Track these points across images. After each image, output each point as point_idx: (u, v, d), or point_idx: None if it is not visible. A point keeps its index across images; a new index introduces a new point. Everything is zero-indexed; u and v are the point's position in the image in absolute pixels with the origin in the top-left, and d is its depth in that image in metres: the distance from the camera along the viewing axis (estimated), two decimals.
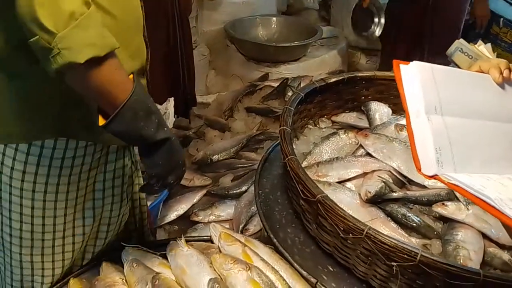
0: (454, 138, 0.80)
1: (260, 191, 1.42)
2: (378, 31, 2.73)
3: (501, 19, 3.55)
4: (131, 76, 0.95)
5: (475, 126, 0.82)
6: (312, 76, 2.81)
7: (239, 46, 3.02)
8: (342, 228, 1.07)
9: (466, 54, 1.03)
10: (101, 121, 0.92)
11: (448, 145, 0.79)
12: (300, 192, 1.16)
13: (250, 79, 2.84)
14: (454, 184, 0.75)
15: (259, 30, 3.20)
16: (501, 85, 0.90)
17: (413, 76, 0.81)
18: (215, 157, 2.26)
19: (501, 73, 0.90)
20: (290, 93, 2.59)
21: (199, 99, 2.84)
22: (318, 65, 3.01)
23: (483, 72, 0.92)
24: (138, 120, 0.93)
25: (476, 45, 1.21)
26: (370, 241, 1.02)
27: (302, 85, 2.71)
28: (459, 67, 1.21)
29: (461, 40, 1.22)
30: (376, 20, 2.79)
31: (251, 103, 2.63)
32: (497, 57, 3.35)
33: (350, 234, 1.05)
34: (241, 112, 2.58)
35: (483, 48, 1.13)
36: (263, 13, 3.25)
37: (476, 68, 0.93)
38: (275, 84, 2.70)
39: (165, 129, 0.99)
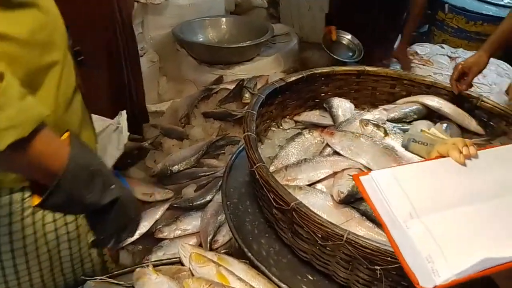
0: (440, 238, 0.76)
1: (228, 202, 1.35)
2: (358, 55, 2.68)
3: (446, 5, 3.65)
4: (66, 136, 0.81)
5: (456, 215, 0.79)
6: (268, 76, 2.77)
7: (189, 49, 2.92)
8: (320, 235, 1.02)
9: (420, 142, 1.02)
10: (35, 200, 0.78)
11: (437, 249, 0.76)
12: (272, 201, 1.10)
13: (204, 83, 2.75)
14: (462, 277, 0.72)
15: (208, 32, 3.11)
16: (464, 164, 0.87)
17: (376, 186, 0.77)
18: (175, 168, 2.16)
19: (461, 152, 0.87)
20: (247, 95, 2.53)
21: (152, 108, 2.73)
22: (272, 63, 2.96)
23: (443, 156, 0.89)
24: (80, 189, 0.79)
25: (427, 130, 1.21)
26: (350, 247, 0.97)
27: (258, 85, 2.66)
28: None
29: (411, 130, 1.20)
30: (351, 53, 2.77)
31: (207, 107, 2.55)
32: (444, 42, 3.45)
33: (329, 241, 1.00)
34: (198, 118, 2.49)
35: (435, 130, 1.12)
36: (211, 14, 3.16)
37: (435, 154, 0.90)
38: (231, 87, 2.63)
39: (112, 188, 0.85)
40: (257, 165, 1.15)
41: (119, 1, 1.98)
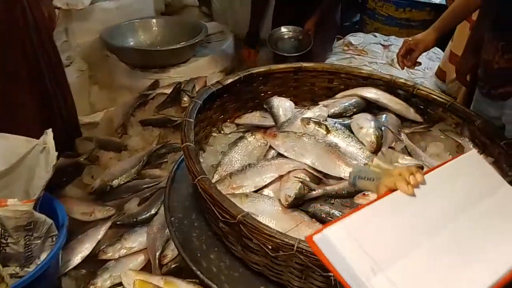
0: None
1: (172, 218, 1.28)
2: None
3: None
4: None
5: (416, 259, 0.74)
6: (206, 77, 2.69)
7: (120, 55, 2.77)
8: (270, 247, 0.98)
9: (366, 178, 0.99)
10: None
11: None
12: (218, 215, 1.04)
13: (139, 89, 2.62)
14: None
15: (139, 35, 2.97)
16: (414, 194, 0.84)
17: (331, 245, 0.69)
18: (115, 182, 2.04)
19: (408, 182, 0.84)
20: (185, 98, 2.44)
21: (85, 119, 2.56)
22: (209, 63, 2.88)
23: (392, 189, 0.85)
24: None
25: (370, 163, 1.18)
26: (302, 256, 0.93)
27: (196, 87, 2.57)
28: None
29: (355, 168, 1.18)
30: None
31: (145, 115, 2.43)
32: (377, 30, 3.54)
33: (280, 252, 0.96)
34: (136, 126, 2.36)
35: (378, 161, 1.10)
36: (140, 16, 3.02)
37: (383, 189, 0.85)
38: (168, 91, 2.52)
39: None
40: (198, 178, 1.08)
41: (33, 11, 1.81)
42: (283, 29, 2.82)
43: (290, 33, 2.80)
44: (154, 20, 3.03)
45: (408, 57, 1.64)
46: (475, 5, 1.63)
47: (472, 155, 1.04)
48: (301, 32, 2.77)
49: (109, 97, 2.75)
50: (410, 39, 1.66)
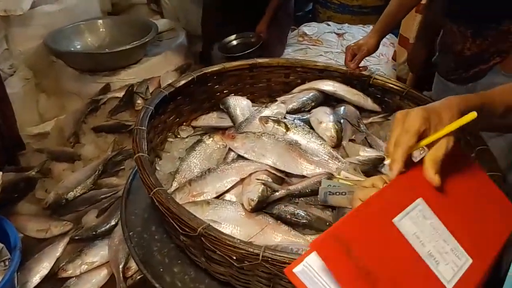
0: None
1: (130, 233, 1.21)
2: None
3: None
4: None
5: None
6: (159, 77, 2.60)
7: (67, 60, 2.63)
8: (234, 257, 0.93)
9: (337, 193, 0.94)
10: None
11: None
12: (178, 228, 0.98)
13: (90, 94, 2.49)
14: None
15: (86, 38, 2.83)
16: None
17: (314, 275, 0.61)
18: (71, 195, 1.95)
19: None
20: (139, 101, 2.35)
21: (33, 130, 2.43)
22: (162, 62, 2.78)
23: None
24: None
25: (339, 176, 1.14)
26: (268, 264, 0.89)
27: (150, 88, 2.49)
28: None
29: (323, 183, 1.13)
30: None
31: (97, 121, 2.32)
32: (330, 19, 3.53)
33: (245, 262, 0.92)
34: (89, 134, 2.26)
35: (346, 174, 1.06)
36: (86, 18, 2.88)
37: (357, 203, 0.79)
38: (120, 94, 2.42)
39: None
40: (154, 190, 1.02)
41: None
42: (233, 36, 2.87)
43: (241, 39, 2.82)
44: (100, 21, 2.89)
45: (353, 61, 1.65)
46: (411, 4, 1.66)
47: None
48: (253, 36, 2.78)
49: (59, 104, 2.61)
50: (352, 44, 1.68)
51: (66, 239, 1.75)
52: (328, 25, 3.12)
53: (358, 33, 2.99)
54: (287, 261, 0.88)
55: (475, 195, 0.82)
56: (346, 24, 3.16)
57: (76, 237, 1.75)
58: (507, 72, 1.35)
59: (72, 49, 2.70)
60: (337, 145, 1.35)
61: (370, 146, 1.41)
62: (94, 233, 1.75)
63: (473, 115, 0.72)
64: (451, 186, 0.78)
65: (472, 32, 1.39)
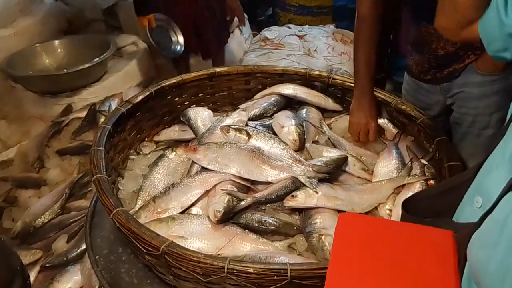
0: None
1: (97, 257, 1.18)
2: (180, 49, 2.58)
3: None
4: None
5: None
6: (122, 93, 2.55)
7: (26, 83, 2.56)
8: (200, 273, 0.91)
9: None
10: None
11: None
12: (141, 247, 0.96)
13: (52, 116, 2.43)
14: None
15: (44, 59, 2.76)
16: None
17: None
18: (39, 222, 1.90)
19: None
20: (102, 119, 2.30)
21: None
22: (124, 78, 2.74)
23: None
24: None
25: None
26: (234, 276, 0.88)
27: (113, 106, 2.44)
28: None
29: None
30: (174, 38, 2.65)
31: (61, 144, 2.27)
32: (290, 21, 3.54)
33: (212, 276, 0.91)
34: (53, 157, 2.20)
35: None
36: (42, 40, 2.81)
37: None
38: (83, 114, 2.37)
39: None
40: (114, 211, 1.00)
41: None
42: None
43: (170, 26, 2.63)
44: (57, 42, 2.82)
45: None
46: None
47: None
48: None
49: (21, 130, 2.54)
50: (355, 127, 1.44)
51: (37, 268, 1.71)
52: (289, 27, 3.14)
53: (319, 33, 3.01)
54: (253, 271, 0.87)
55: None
56: (307, 26, 3.17)
57: (47, 265, 1.71)
58: (482, 71, 1.29)
59: (31, 72, 2.63)
60: (300, 148, 1.35)
61: (334, 146, 1.42)
62: (65, 259, 1.71)
63: None
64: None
65: None
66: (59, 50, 2.81)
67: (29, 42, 2.77)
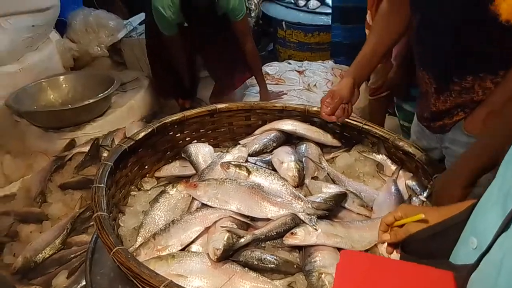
0: None
1: None
2: None
3: (283, 22, 3.84)
4: None
5: None
6: (125, 127, 2.59)
7: (31, 118, 2.61)
8: None
9: None
10: None
11: None
12: (141, 287, 0.96)
13: (56, 151, 2.47)
14: None
15: (49, 95, 2.82)
16: None
17: None
18: (39, 257, 1.90)
19: None
20: (105, 154, 2.33)
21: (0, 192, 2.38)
22: (127, 113, 2.79)
23: None
24: None
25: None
26: None
27: (116, 140, 2.47)
28: None
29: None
30: None
31: (64, 178, 2.29)
32: (290, 57, 3.62)
33: None
34: (56, 192, 2.22)
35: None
36: (48, 75, 2.88)
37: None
38: (86, 149, 2.40)
39: None
40: (114, 250, 1.00)
41: None
42: None
43: None
44: (62, 77, 2.90)
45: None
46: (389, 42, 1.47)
47: None
48: None
49: (25, 164, 2.57)
50: (325, 96, 1.49)
51: None
52: (289, 63, 3.21)
53: (318, 69, 3.07)
54: None
55: None
56: (306, 61, 3.25)
57: None
58: (468, 131, 1.23)
59: (35, 107, 2.68)
60: (299, 184, 1.36)
61: (333, 182, 1.43)
62: None
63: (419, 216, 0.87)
64: None
65: (436, 88, 1.27)
66: (64, 85, 2.88)
67: (35, 78, 2.84)
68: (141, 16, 3.53)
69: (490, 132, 1.05)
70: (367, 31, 2.58)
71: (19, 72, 2.78)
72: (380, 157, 1.48)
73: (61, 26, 3.31)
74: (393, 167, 1.45)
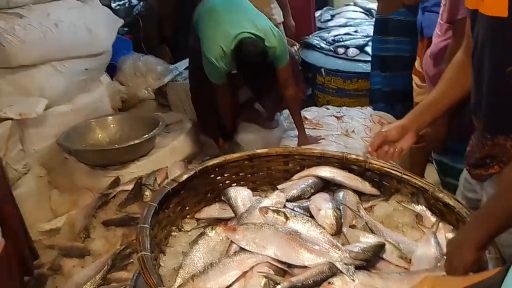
0: None
1: None
2: None
3: (322, 69, 3.93)
4: None
5: None
6: (167, 167, 2.68)
7: (79, 156, 2.76)
8: None
9: None
10: None
11: None
12: None
13: (100, 188, 2.58)
14: None
15: (97, 134, 2.98)
16: None
17: None
18: None
19: None
20: (147, 193, 2.41)
21: (45, 226, 2.49)
22: (170, 154, 2.89)
23: None
24: None
25: None
26: None
27: (158, 180, 2.56)
28: None
29: None
30: None
31: (107, 215, 2.37)
32: (329, 102, 3.68)
33: None
34: (99, 228, 2.30)
35: None
36: (97, 116, 3.05)
37: None
38: (129, 187, 2.49)
39: None
40: None
41: None
42: None
43: None
44: (111, 118, 3.06)
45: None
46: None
47: None
48: None
49: (71, 199, 2.69)
50: (384, 131, 1.48)
51: None
52: (327, 108, 3.26)
53: (356, 115, 3.10)
54: None
55: None
56: (345, 107, 3.29)
57: None
58: None
59: (84, 145, 2.83)
60: (337, 232, 1.37)
61: (371, 232, 1.42)
62: None
63: None
64: None
65: (489, 138, 1.24)
66: (112, 125, 3.03)
67: (85, 118, 3.01)
68: (186, 62, 3.71)
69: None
70: (414, 77, 2.60)
71: (70, 112, 2.96)
72: (420, 208, 1.47)
73: (112, 70, 3.53)
74: (433, 219, 1.43)
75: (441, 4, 2.03)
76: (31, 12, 2.75)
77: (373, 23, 3.46)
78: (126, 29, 4.45)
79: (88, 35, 2.94)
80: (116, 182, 2.61)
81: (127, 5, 5.71)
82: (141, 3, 5.05)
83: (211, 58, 2.64)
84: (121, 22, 3.40)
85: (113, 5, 5.06)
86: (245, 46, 2.59)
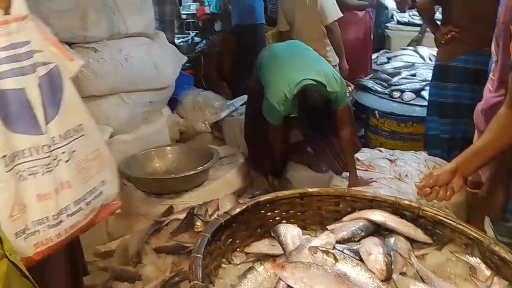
0: None
1: None
2: None
3: (376, 111, 3.93)
4: None
5: None
6: (218, 199, 2.75)
7: (137, 183, 2.90)
8: None
9: None
10: None
11: None
12: None
13: (154, 215, 2.68)
14: None
15: (155, 163, 3.13)
16: None
17: None
18: None
19: None
20: (198, 223, 2.47)
21: (101, 249, 2.61)
22: (222, 186, 2.98)
23: None
24: None
25: None
26: None
27: (209, 211, 2.62)
28: None
29: None
30: None
31: (159, 242, 2.45)
32: (381, 145, 3.65)
33: None
34: (150, 254, 2.37)
35: None
36: (156, 145, 3.21)
37: None
38: (182, 216, 2.56)
39: None
40: None
41: None
42: None
43: None
44: (169, 148, 3.21)
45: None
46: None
47: None
48: None
49: (126, 224, 2.81)
50: (436, 173, 1.52)
51: None
52: (380, 151, 3.24)
53: (410, 159, 3.06)
54: None
55: None
56: (398, 151, 3.25)
57: None
58: None
59: (142, 173, 2.98)
60: (387, 279, 1.35)
61: (422, 280, 1.40)
62: None
63: None
64: None
65: None
66: (169, 155, 3.17)
67: (145, 147, 3.17)
68: (243, 98, 3.86)
69: None
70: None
71: (132, 141, 3.14)
72: (474, 260, 1.43)
73: (173, 103, 3.72)
74: (488, 272, 1.38)
75: (493, 60, 2.00)
76: (105, 47, 2.99)
77: (431, 67, 3.44)
78: (188, 64, 4.70)
79: (154, 70, 3.15)
80: (170, 211, 2.70)
81: (189, 41, 6.05)
82: (204, 41, 5.33)
83: (274, 103, 2.74)
84: (185, 59, 3.61)
85: (176, 41, 5.38)
86: (308, 93, 2.66)
